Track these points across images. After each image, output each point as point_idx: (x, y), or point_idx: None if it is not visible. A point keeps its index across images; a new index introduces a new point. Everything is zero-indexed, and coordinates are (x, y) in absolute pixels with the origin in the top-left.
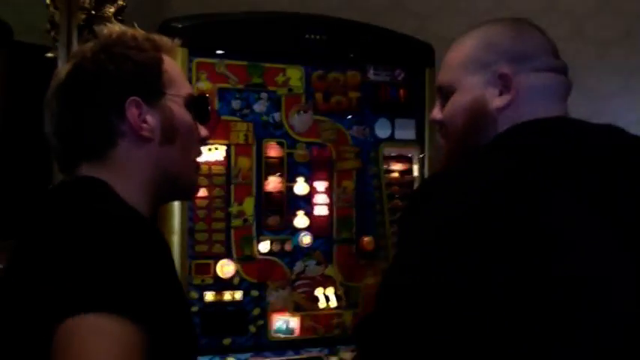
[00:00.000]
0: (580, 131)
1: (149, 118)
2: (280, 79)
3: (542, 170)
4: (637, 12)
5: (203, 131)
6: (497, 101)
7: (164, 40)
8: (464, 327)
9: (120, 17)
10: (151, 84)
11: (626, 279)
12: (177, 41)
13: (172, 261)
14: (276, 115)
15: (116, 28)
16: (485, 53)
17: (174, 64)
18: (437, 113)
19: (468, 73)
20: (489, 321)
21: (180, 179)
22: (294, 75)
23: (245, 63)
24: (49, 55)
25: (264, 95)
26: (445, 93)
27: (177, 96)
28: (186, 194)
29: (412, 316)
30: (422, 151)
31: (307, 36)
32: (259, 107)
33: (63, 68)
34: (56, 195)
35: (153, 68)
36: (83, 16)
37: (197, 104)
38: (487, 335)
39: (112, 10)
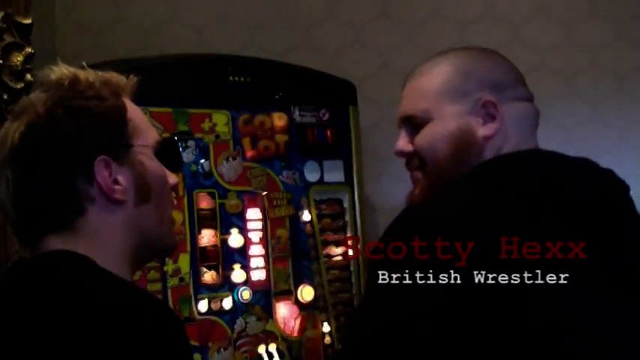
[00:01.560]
0: (562, 167)
1: (120, 177)
2: (207, 125)
3: (529, 211)
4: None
5: (172, 178)
6: (483, 130)
7: (121, 80)
8: None
9: (29, 66)
10: (117, 138)
11: (617, 326)
12: (132, 78)
13: (188, 340)
14: (206, 164)
15: (64, 71)
16: (465, 81)
17: (136, 109)
18: (404, 145)
19: (446, 101)
20: None
21: (159, 239)
22: (221, 120)
23: (170, 110)
24: None
25: (191, 143)
26: (416, 122)
27: (145, 146)
28: (166, 253)
29: None
30: (352, 194)
31: (231, 78)
32: (188, 156)
33: (11, 128)
34: (36, 277)
35: (117, 119)
36: None
37: (167, 151)
38: None
39: (21, 58)
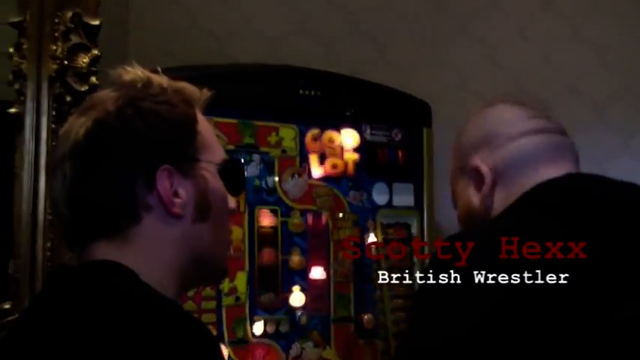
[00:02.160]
0: (592, 183)
1: (181, 191)
2: (273, 138)
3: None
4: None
5: (232, 202)
6: (476, 198)
7: (194, 91)
8: None
9: (94, 68)
10: (185, 149)
11: None
12: (206, 92)
13: None
14: (270, 180)
15: (139, 73)
16: (460, 159)
17: (206, 123)
18: None
19: (456, 177)
20: None
21: (212, 263)
22: (288, 135)
23: (235, 121)
24: (13, 110)
25: (256, 157)
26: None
27: (211, 163)
28: (217, 280)
29: None
30: (421, 219)
31: (301, 92)
32: (252, 170)
33: (77, 123)
34: (75, 290)
35: (187, 129)
36: (55, 67)
37: (231, 172)
38: None
39: (87, 60)
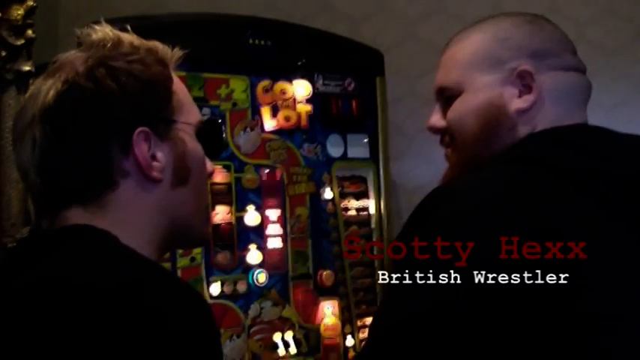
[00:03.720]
0: (607, 144)
1: (159, 154)
2: (223, 91)
3: (568, 192)
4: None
5: (209, 166)
6: (517, 103)
7: (166, 50)
8: None
9: (30, 21)
10: (161, 110)
11: None
12: (177, 51)
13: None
14: None
15: (108, 32)
16: (500, 49)
17: (181, 84)
18: (437, 120)
19: (479, 71)
20: None
21: (192, 227)
22: (238, 87)
23: (183, 73)
24: None
25: (206, 111)
26: (449, 95)
27: (188, 124)
28: (197, 244)
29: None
30: (377, 172)
31: (251, 42)
32: None
33: (44, 85)
34: (50, 253)
35: (163, 90)
36: None
37: (209, 134)
38: None
39: (21, 12)
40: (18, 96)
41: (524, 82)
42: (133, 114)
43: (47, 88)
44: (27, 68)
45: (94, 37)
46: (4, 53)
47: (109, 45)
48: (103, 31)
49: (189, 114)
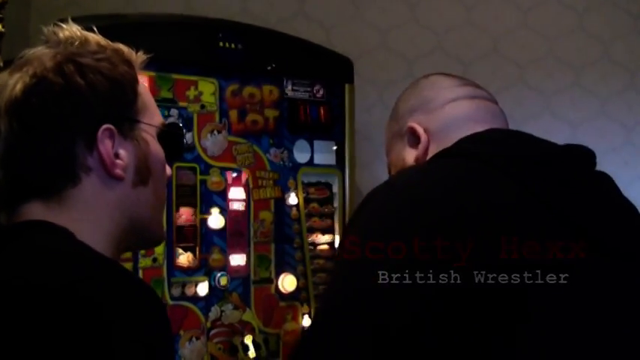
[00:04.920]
0: (514, 136)
1: (122, 152)
2: (192, 93)
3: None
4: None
5: (168, 170)
6: (410, 155)
7: (131, 52)
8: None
9: (0, 15)
10: (126, 109)
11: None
12: (141, 55)
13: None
14: (188, 136)
15: (75, 30)
16: (396, 125)
17: (145, 87)
18: None
19: (394, 144)
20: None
21: (149, 228)
22: (207, 89)
23: (153, 74)
24: None
25: (174, 112)
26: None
27: (151, 126)
28: (153, 244)
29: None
30: (342, 179)
31: (221, 44)
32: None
33: (11, 79)
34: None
35: (128, 89)
36: None
37: (171, 137)
38: None
39: None
40: None
41: (413, 136)
42: (99, 111)
43: (14, 82)
44: None
45: (62, 35)
46: None
47: (76, 43)
48: (70, 29)
49: (153, 116)
